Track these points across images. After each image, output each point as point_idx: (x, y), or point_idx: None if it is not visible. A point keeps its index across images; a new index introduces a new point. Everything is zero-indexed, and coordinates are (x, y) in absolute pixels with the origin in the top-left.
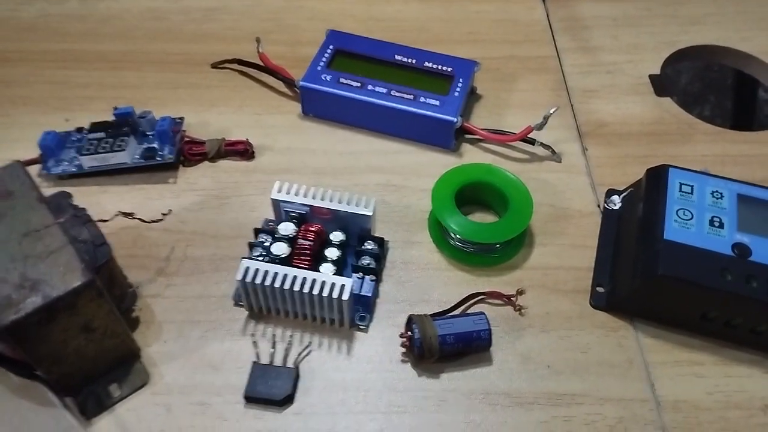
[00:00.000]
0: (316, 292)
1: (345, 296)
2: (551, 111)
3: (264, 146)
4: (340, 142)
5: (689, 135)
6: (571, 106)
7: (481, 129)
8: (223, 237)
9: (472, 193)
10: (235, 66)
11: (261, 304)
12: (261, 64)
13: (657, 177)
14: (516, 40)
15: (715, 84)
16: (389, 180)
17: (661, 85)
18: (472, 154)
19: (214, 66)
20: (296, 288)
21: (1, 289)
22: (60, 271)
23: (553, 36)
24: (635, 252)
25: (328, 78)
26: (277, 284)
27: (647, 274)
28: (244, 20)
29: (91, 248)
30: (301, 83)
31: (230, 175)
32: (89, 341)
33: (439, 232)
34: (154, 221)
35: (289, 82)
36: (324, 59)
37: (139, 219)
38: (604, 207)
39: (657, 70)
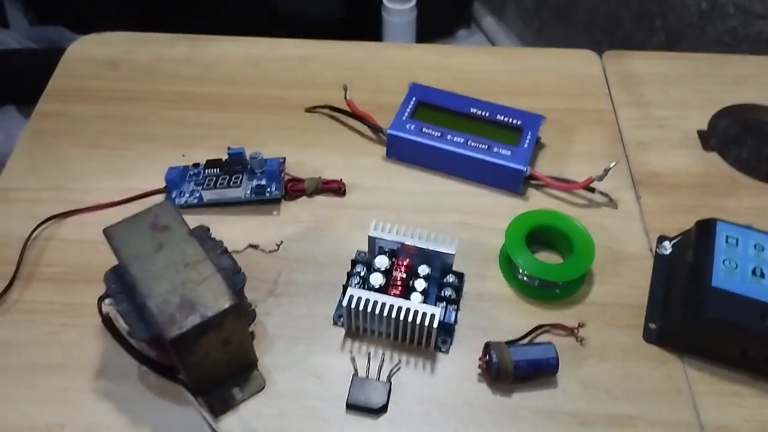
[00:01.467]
0: (410, 319)
1: (435, 324)
2: (611, 165)
3: (353, 185)
4: (421, 183)
5: (734, 188)
6: (626, 157)
7: (547, 176)
8: (321, 265)
9: (540, 235)
10: (327, 111)
11: (359, 324)
12: (349, 110)
13: (706, 229)
14: (575, 93)
15: (754, 132)
16: (463, 219)
17: (707, 139)
18: (537, 198)
19: (309, 110)
20: (393, 315)
21: (166, 308)
22: (212, 295)
23: (609, 90)
24: (685, 295)
25: (412, 127)
26: (376, 311)
27: (696, 316)
28: (331, 68)
29: (230, 275)
30: (389, 132)
31: (325, 210)
32: (225, 352)
33: (509, 268)
34: (272, 251)
35: (376, 129)
36: (408, 110)
37: (261, 250)
38: (656, 251)
39: (704, 126)
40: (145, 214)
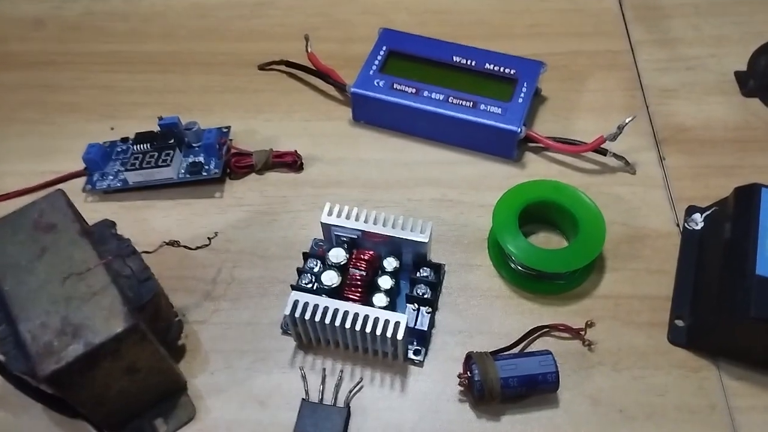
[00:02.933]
0: (368, 329)
1: (399, 335)
2: (627, 120)
3: (313, 156)
4: (393, 152)
5: None
6: (647, 108)
7: (547, 138)
8: (271, 257)
9: (537, 212)
10: (283, 68)
11: (310, 335)
12: (309, 65)
13: (747, 198)
14: (584, 32)
15: None
16: (445, 194)
17: (747, 81)
18: (536, 165)
19: (261, 68)
20: (347, 325)
21: (42, 334)
22: (103, 315)
23: (626, 27)
24: (721, 284)
25: (381, 83)
26: (327, 320)
27: (737, 315)
28: (292, 15)
29: (136, 284)
30: (353, 89)
31: (278, 189)
32: (133, 381)
33: (499, 255)
34: (199, 247)
35: (339, 87)
36: (377, 62)
37: (185, 246)
38: (684, 226)
39: (743, 66)
40: (28, 210)
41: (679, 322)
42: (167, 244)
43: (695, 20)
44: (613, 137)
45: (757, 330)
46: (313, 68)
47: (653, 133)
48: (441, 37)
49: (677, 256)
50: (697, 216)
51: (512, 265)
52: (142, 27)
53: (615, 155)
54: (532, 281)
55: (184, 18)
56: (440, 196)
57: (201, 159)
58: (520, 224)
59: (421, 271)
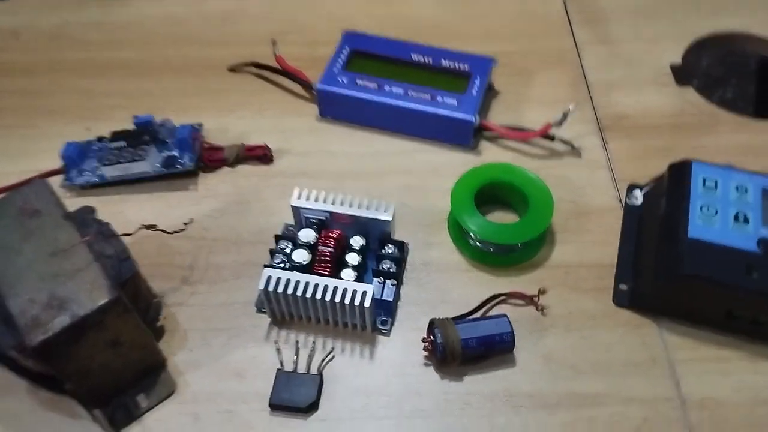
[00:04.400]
0: (338, 299)
1: (366, 303)
2: (570, 108)
3: (283, 150)
4: (359, 144)
5: (712, 125)
6: (591, 99)
7: (500, 126)
8: (244, 243)
9: (491, 193)
10: (253, 69)
11: (284, 311)
12: (278, 66)
13: (680, 172)
14: (534, 33)
15: (737, 68)
16: (408, 181)
17: (682, 74)
18: (491, 152)
19: (232, 69)
20: (318, 296)
21: (30, 309)
22: (87, 289)
23: (571, 28)
24: (658, 250)
25: (345, 80)
26: (299, 293)
27: (671, 274)
28: (261, 23)
29: (117, 263)
30: (318, 86)
31: (250, 180)
32: (117, 355)
33: (458, 233)
34: (176, 231)
35: (306, 85)
36: (340, 61)
37: (161, 230)
38: (626, 203)
39: (678, 60)
40: (13, 197)
41: (623, 287)
42: (145, 227)
43: (635, 21)
44: (559, 123)
45: (690, 287)
46: (281, 69)
47: (597, 121)
48: (395, 39)
49: (620, 228)
50: (638, 192)
51: (471, 242)
52: (117, 36)
53: (562, 140)
54: (489, 255)
55: (158, 26)
56: (403, 182)
57: (175, 153)
58: (476, 204)
59: (386, 248)
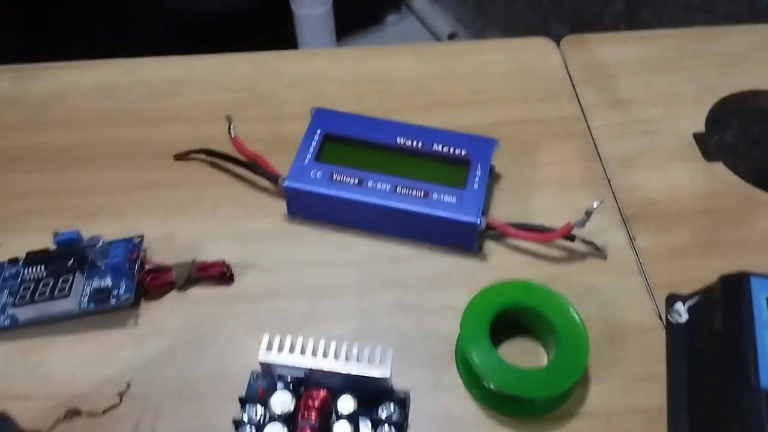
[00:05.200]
0: None
1: None
2: (595, 205)
3: (245, 263)
4: (338, 250)
5: (751, 210)
6: (608, 181)
7: (509, 225)
8: (201, 398)
9: (509, 317)
10: (204, 156)
11: None
12: (234, 152)
13: (735, 290)
14: (532, 97)
15: (761, 125)
16: (402, 298)
17: (707, 144)
18: (499, 256)
19: (179, 158)
20: None
21: None
22: None
23: (574, 89)
24: (721, 401)
25: (318, 174)
26: None
27: None
28: (211, 92)
29: None
30: (286, 185)
31: (205, 308)
32: None
33: (470, 369)
34: (107, 410)
35: (270, 177)
36: (311, 149)
37: (89, 413)
38: (668, 319)
39: (700, 125)
40: None
41: None
42: (65, 418)
43: (644, 78)
44: (582, 223)
45: None
46: (239, 158)
47: (619, 210)
48: (379, 110)
49: (665, 356)
50: (680, 306)
51: (485, 384)
52: (36, 114)
53: (583, 240)
54: (510, 403)
55: (88, 101)
56: (396, 299)
57: (108, 282)
58: (490, 332)
59: (382, 409)
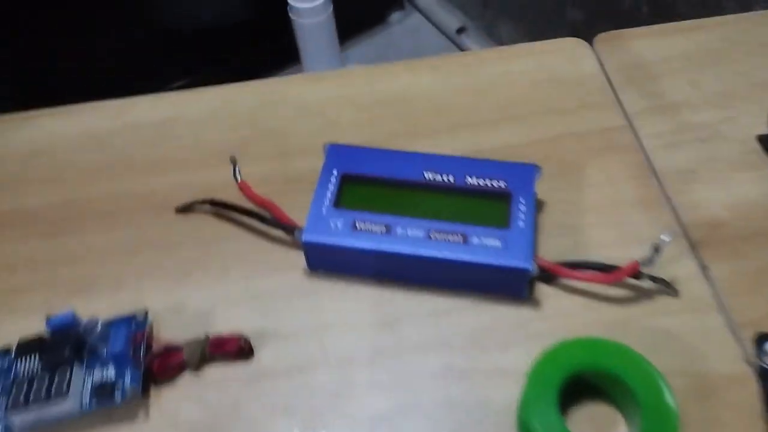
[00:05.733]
0: None
1: None
2: (665, 239)
3: (264, 331)
4: (368, 309)
5: None
6: (668, 199)
7: (563, 265)
8: None
9: (580, 382)
10: (209, 207)
11: None
12: (242, 203)
13: None
14: (567, 107)
15: None
16: (449, 362)
17: None
18: (554, 302)
19: (181, 211)
20: None
21: None
22: None
23: (616, 95)
24: None
25: (339, 224)
26: None
27: None
28: (211, 132)
29: None
30: (305, 240)
31: (224, 391)
32: None
33: None
34: None
35: (285, 229)
36: (329, 195)
37: None
38: (760, 365)
39: (764, 127)
40: None
41: None
42: None
43: (691, 75)
44: (650, 261)
45: None
46: (248, 207)
47: (684, 233)
48: (398, 136)
49: (762, 413)
50: None
51: None
52: (18, 173)
53: (651, 278)
54: None
55: (74, 152)
56: (442, 364)
57: (111, 373)
58: (560, 399)
59: None
